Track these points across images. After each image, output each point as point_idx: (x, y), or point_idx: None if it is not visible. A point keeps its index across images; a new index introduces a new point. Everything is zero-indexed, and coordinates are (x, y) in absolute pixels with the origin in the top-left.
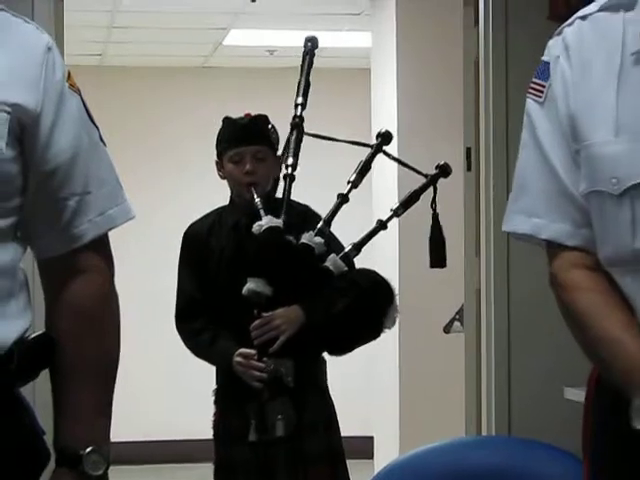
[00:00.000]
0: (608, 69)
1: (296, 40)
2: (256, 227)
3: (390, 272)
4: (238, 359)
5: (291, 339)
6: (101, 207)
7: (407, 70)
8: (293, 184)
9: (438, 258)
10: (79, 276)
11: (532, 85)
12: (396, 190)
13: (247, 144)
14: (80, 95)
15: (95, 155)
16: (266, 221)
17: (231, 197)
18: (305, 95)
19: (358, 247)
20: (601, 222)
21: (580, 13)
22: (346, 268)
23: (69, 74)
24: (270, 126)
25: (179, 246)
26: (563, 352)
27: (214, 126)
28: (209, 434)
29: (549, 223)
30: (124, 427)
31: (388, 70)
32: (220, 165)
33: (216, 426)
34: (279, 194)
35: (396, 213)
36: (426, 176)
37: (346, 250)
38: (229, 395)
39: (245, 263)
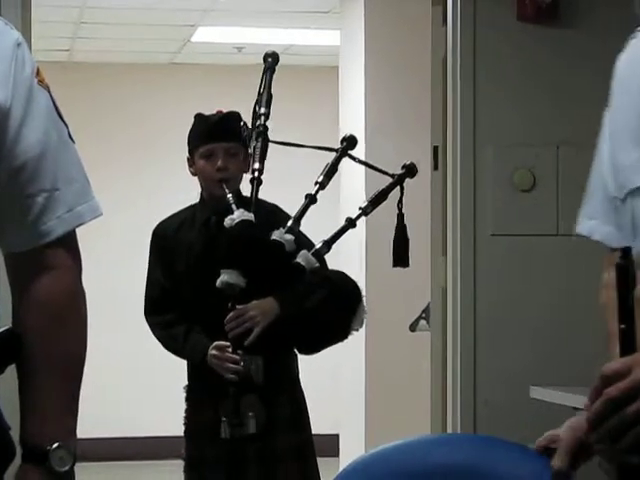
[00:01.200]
0: None
1: (264, 37)
2: (228, 221)
3: (357, 270)
4: (213, 352)
5: (263, 334)
6: (69, 204)
7: (375, 68)
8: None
9: (401, 257)
10: (46, 272)
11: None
12: (363, 188)
13: (219, 140)
14: (49, 91)
15: (64, 152)
16: (238, 215)
17: (201, 194)
18: (268, 106)
19: (328, 244)
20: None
21: None
22: (317, 264)
23: (38, 70)
24: (242, 123)
25: (148, 243)
26: (529, 351)
27: (182, 123)
28: (174, 431)
29: (601, 225)
30: (89, 424)
31: (356, 68)
32: (191, 161)
33: (187, 423)
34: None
35: (365, 212)
36: (393, 176)
37: (317, 247)
38: (200, 392)
39: (217, 256)
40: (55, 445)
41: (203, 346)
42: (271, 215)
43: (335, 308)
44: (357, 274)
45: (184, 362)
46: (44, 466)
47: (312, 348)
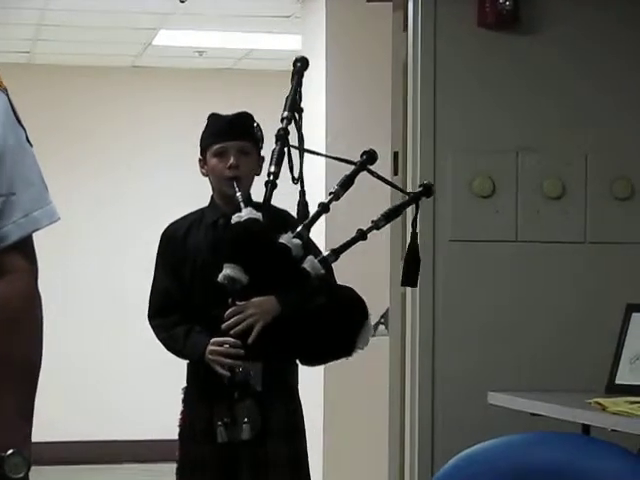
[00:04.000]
0: None
1: (225, 41)
2: (235, 218)
3: None
4: (211, 347)
5: (264, 338)
6: (26, 208)
7: (336, 73)
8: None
9: (410, 278)
10: (2, 277)
11: None
12: (324, 182)
13: (231, 139)
14: (7, 95)
15: (21, 156)
16: (246, 212)
17: (212, 197)
18: (291, 110)
19: (337, 253)
20: None
21: None
22: (323, 271)
23: None
24: (255, 124)
25: (114, 247)
26: (487, 357)
27: (144, 125)
28: (135, 435)
29: None
30: (49, 427)
31: (317, 73)
32: (203, 162)
33: (182, 425)
34: (257, 198)
35: (377, 225)
36: (409, 194)
37: (324, 254)
38: (197, 394)
39: (221, 251)
40: (10, 452)
41: (202, 344)
42: (282, 220)
43: (339, 319)
44: None
45: (152, 367)
46: None
47: (313, 359)
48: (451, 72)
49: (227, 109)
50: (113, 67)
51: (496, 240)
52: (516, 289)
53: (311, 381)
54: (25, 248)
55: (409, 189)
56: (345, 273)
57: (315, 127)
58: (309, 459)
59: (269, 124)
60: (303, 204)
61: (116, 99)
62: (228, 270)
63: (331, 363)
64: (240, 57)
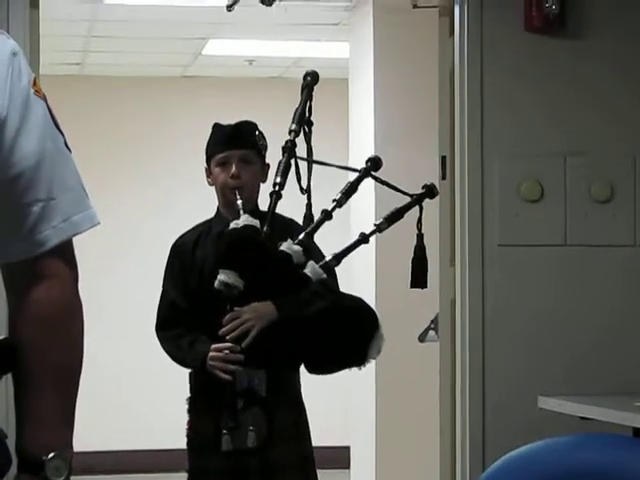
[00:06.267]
0: None
1: (275, 50)
2: (233, 224)
3: (367, 279)
4: (212, 354)
5: (263, 346)
6: (65, 213)
7: (384, 80)
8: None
9: (420, 279)
10: (42, 282)
11: None
12: (373, 200)
13: (233, 148)
14: (45, 101)
15: (60, 161)
16: (243, 219)
17: (218, 207)
18: (299, 124)
19: (338, 257)
20: None
21: None
22: (325, 276)
23: (35, 80)
24: (258, 132)
25: (160, 253)
26: (537, 361)
27: (194, 136)
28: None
29: None
30: (100, 437)
31: (365, 80)
32: (208, 171)
33: (189, 434)
34: (263, 207)
35: (379, 228)
36: (412, 196)
37: (326, 259)
38: (202, 404)
39: (217, 257)
40: (51, 455)
41: (204, 352)
42: (287, 228)
43: (346, 327)
44: (367, 283)
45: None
46: (40, 476)
47: (321, 368)
48: (498, 76)
49: (276, 117)
50: (163, 77)
51: (545, 244)
52: (565, 293)
53: (362, 387)
54: (65, 253)
55: (457, 195)
56: (395, 278)
57: (364, 133)
58: (362, 463)
59: (318, 130)
60: (309, 216)
61: (166, 109)
62: (223, 276)
63: (381, 371)
64: (289, 65)
